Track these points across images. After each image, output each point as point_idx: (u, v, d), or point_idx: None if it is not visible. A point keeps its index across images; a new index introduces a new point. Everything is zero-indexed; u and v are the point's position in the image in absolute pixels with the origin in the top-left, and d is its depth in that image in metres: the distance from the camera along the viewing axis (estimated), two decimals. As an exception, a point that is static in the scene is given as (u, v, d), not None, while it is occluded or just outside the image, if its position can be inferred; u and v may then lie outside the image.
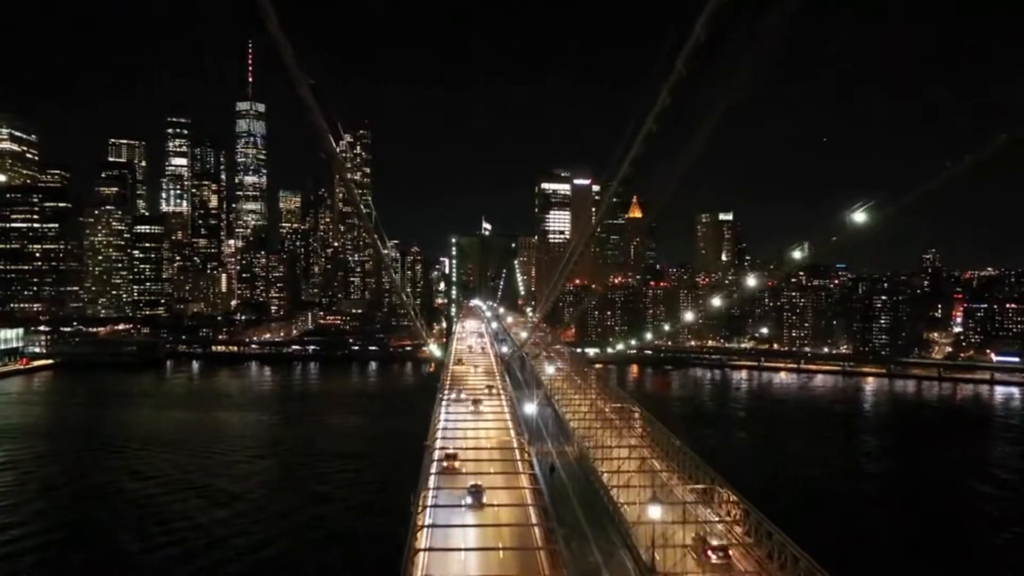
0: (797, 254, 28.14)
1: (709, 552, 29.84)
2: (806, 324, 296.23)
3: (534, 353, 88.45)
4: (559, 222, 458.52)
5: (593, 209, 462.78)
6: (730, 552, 29.86)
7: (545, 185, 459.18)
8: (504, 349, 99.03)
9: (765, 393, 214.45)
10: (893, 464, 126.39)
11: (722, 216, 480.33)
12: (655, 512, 27.95)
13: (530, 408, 50.68)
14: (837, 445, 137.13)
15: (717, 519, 31.79)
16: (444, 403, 57.95)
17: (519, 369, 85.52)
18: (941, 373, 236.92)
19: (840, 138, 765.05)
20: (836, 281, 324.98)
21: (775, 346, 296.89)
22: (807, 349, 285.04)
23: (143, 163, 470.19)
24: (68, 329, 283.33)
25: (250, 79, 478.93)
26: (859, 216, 22.44)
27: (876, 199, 23.20)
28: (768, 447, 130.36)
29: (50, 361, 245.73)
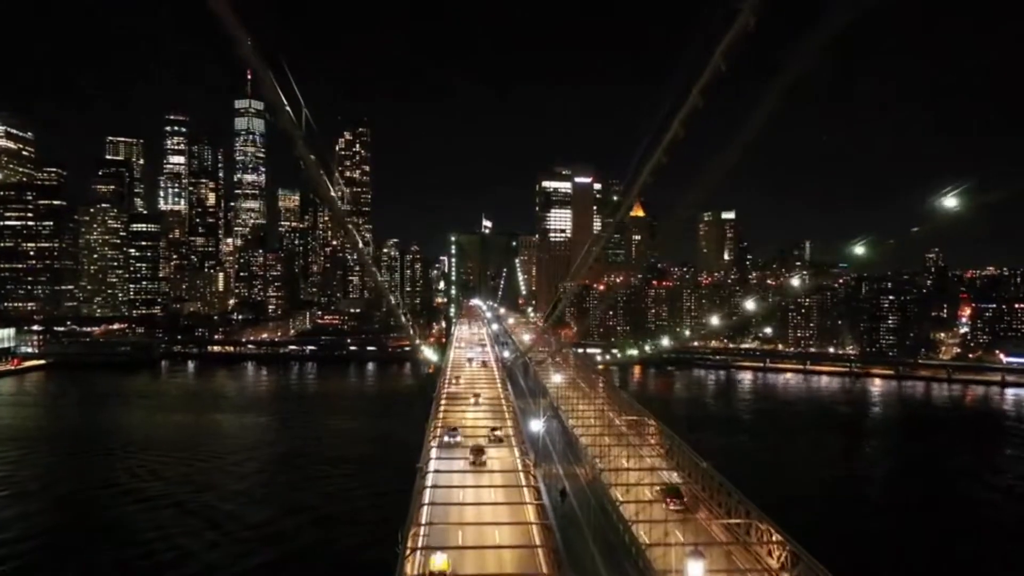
0: (860, 249, 23.62)
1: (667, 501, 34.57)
2: (811, 324, 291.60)
3: (538, 359, 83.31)
4: (560, 220, 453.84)
5: (595, 207, 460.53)
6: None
7: (546, 183, 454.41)
8: (506, 354, 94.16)
9: (772, 395, 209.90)
10: (909, 471, 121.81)
11: (724, 215, 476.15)
12: (696, 569, 23.07)
13: (536, 425, 45.15)
14: (851, 450, 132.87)
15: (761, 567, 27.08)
16: (434, 452, 42.31)
17: (522, 376, 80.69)
18: (951, 374, 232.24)
19: (840, 137, 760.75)
20: (841, 281, 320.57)
21: (780, 346, 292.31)
22: (812, 349, 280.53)
23: (141, 161, 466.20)
24: (62, 329, 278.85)
25: (248, 77, 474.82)
26: (950, 202, 18.00)
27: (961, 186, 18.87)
28: (779, 452, 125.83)
29: (42, 362, 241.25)
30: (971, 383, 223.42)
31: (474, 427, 51.03)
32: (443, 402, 57.85)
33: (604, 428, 46.70)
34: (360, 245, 42.35)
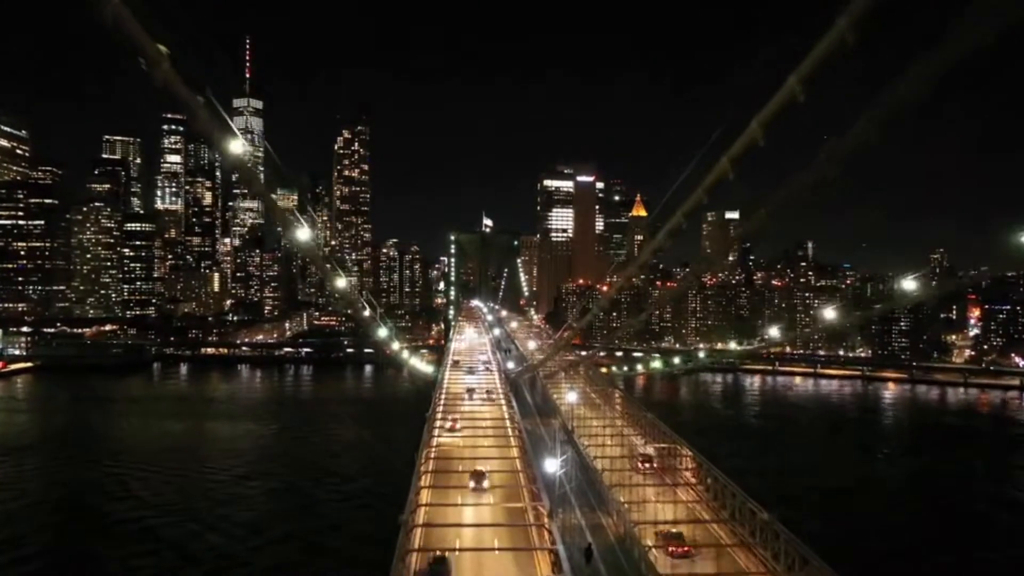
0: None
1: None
2: (820, 326, 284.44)
3: (547, 371, 75.31)
4: (562, 220, 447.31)
5: (597, 206, 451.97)
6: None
7: (548, 182, 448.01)
8: (510, 364, 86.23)
9: (783, 400, 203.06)
10: (930, 482, 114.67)
11: (728, 215, 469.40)
12: None
13: (552, 465, 34.84)
14: (868, 460, 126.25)
15: None
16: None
17: (528, 390, 73.22)
18: (967, 379, 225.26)
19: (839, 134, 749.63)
20: (848, 281, 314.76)
21: (788, 349, 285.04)
22: (822, 352, 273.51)
23: (138, 160, 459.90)
24: (51, 330, 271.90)
25: (247, 75, 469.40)
26: None
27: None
28: (795, 462, 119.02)
29: (29, 364, 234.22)
30: (988, 387, 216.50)
31: (476, 540, 30.40)
32: (427, 480, 36.41)
33: (629, 459, 39.77)
34: (281, 210, 31.32)
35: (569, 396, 51.29)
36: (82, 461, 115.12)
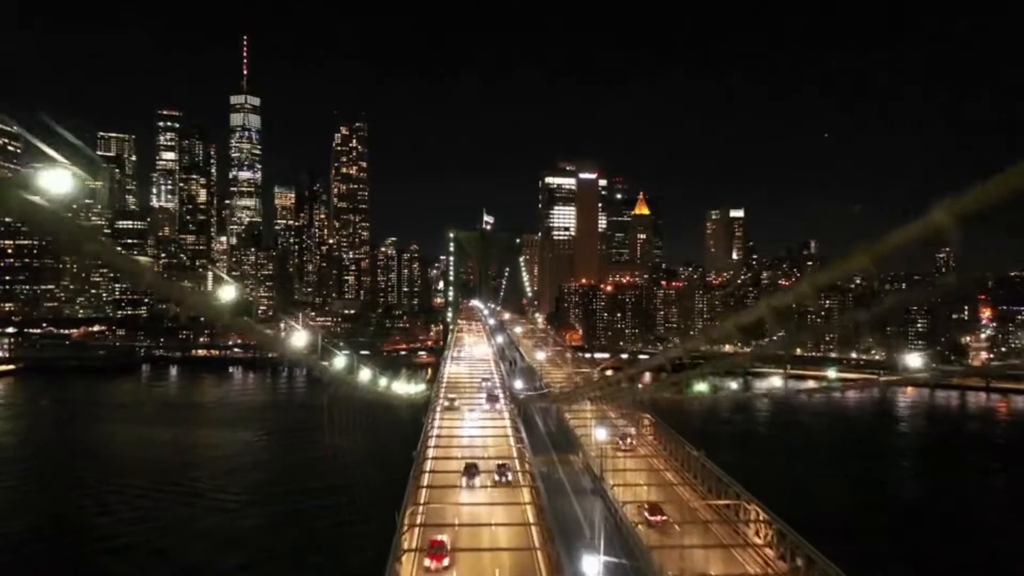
0: None
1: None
2: (831, 327, 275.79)
3: (558, 386, 65.67)
4: (564, 218, 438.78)
5: (600, 204, 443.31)
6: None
7: (549, 179, 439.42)
8: (519, 384, 76.63)
9: (796, 405, 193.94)
10: (961, 499, 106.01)
11: (733, 213, 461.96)
12: None
13: (592, 566, 24.69)
14: (895, 473, 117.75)
15: None
16: None
17: (540, 413, 63.93)
18: (989, 383, 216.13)
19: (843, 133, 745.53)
20: (855, 281, 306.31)
21: (797, 351, 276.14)
22: (834, 355, 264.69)
23: (133, 157, 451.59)
24: (37, 331, 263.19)
25: (244, 71, 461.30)
26: None
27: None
28: (820, 477, 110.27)
29: (12, 367, 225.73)
30: (1012, 392, 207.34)
31: None
32: None
33: (681, 519, 31.18)
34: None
35: (598, 433, 41.44)
36: (53, 471, 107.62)
